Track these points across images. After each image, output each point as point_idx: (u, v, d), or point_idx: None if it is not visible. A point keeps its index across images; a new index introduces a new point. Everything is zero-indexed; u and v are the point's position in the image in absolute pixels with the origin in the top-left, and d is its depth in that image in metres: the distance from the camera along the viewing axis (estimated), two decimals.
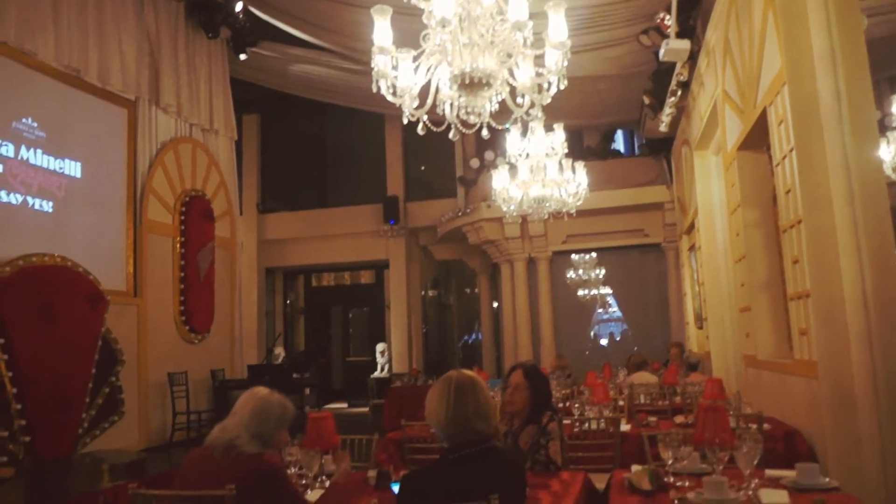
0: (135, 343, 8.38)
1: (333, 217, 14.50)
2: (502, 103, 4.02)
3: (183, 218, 9.43)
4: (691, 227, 9.56)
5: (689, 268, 10.51)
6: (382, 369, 13.44)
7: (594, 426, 4.64)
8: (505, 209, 7.55)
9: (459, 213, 13.03)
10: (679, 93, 8.11)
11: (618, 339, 15.39)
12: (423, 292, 15.34)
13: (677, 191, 11.24)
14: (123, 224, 8.65)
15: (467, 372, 2.41)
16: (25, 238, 7.14)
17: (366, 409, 12.46)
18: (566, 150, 7.14)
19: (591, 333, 16.27)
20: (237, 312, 10.89)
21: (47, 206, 7.63)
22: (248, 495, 2.43)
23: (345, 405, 13.63)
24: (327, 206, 14.83)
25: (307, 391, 11.58)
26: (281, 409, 2.67)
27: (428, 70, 3.86)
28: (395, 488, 2.61)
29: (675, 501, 2.58)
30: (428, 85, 3.94)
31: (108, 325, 7.66)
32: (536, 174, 7.17)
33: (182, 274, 9.35)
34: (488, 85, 3.76)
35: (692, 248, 9.76)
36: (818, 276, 4.19)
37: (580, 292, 14.18)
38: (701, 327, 9.40)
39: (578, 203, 7.45)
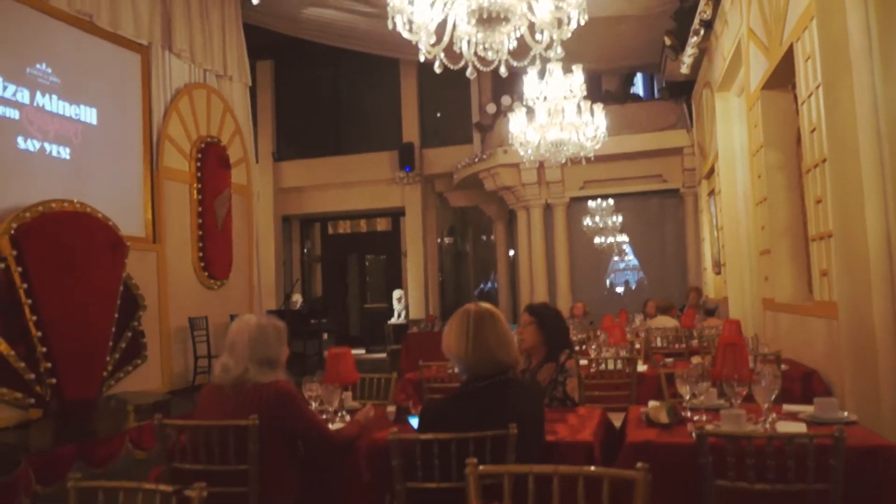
0: (155, 289, 8.48)
1: (349, 164, 14.44)
2: (521, 40, 3.92)
3: (199, 165, 9.43)
4: (711, 172, 9.42)
5: (707, 213, 10.41)
6: (399, 316, 13.55)
7: (611, 366, 4.66)
8: (522, 153, 7.46)
9: (475, 160, 12.92)
10: (702, 32, 7.89)
11: (633, 287, 15.37)
12: (439, 240, 15.35)
13: (697, 135, 11.05)
14: (140, 171, 8.66)
15: (484, 304, 2.41)
16: (44, 184, 7.18)
17: (383, 355, 12.62)
18: (584, 93, 7.00)
19: (608, 282, 16.27)
20: (255, 260, 10.97)
21: (64, 153, 7.65)
22: (267, 422, 2.47)
23: (362, 351, 13.82)
24: (343, 153, 14.75)
25: (325, 337, 11.73)
26: (275, 328, 2.63)
27: (445, 5, 3.77)
28: (413, 421, 2.65)
29: (693, 433, 2.59)
30: (444, 21, 3.85)
31: (128, 271, 7.75)
32: (554, 117, 7.07)
33: (200, 221, 9.39)
34: (506, 20, 3.67)
35: (711, 193, 9.64)
36: (841, 217, 4.13)
37: (597, 240, 14.12)
38: (719, 273, 9.35)
39: (596, 147, 7.35)
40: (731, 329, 4.51)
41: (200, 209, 9.41)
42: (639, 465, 1.54)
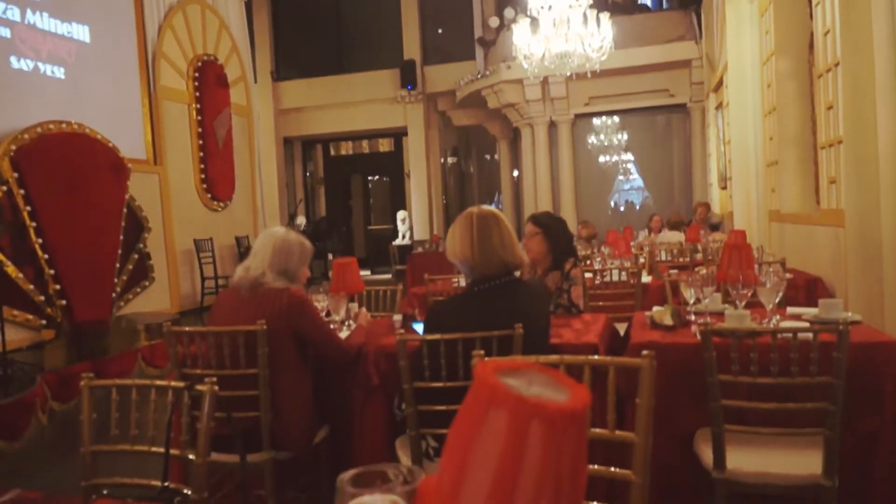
0: (159, 211, 8.47)
1: (350, 83, 14.16)
2: None
3: (197, 84, 9.24)
4: (719, 84, 9.21)
5: (714, 127, 10.25)
6: (403, 237, 13.58)
7: (615, 278, 4.68)
8: (526, 66, 7.29)
9: (478, 76, 12.65)
10: None
11: (638, 208, 15.33)
12: (442, 160, 15.21)
13: (706, 47, 10.75)
14: (137, 91, 8.50)
15: (486, 207, 2.39)
16: (40, 106, 7.06)
17: (388, 276, 12.73)
18: (591, 1, 6.78)
19: (612, 202, 16.21)
20: (258, 181, 10.91)
21: (59, 73, 7.49)
22: (279, 327, 2.50)
23: (368, 273, 13.92)
24: (343, 72, 14.44)
25: (330, 258, 11.79)
26: (300, 245, 2.69)
27: None
28: (419, 327, 2.68)
29: (697, 333, 2.61)
30: None
31: (131, 193, 7.72)
32: (559, 28, 6.86)
33: (200, 142, 9.29)
34: None
35: (719, 106, 9.46)
36: (852, 123, 4.05)
37: (602, 159, 13.97)
38: (725, 188, 9.29)
39: (602, 58, 7.17)
40: (736, 235, 4.49)
41: (200, 130, 9.28)
42: (644, 352, 1.54)
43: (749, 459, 2.27)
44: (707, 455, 2.32)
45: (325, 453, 2.77)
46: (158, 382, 1.77)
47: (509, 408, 0.64)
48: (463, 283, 2.43)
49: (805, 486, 2.17)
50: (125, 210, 7.61)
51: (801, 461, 2.23)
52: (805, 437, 2.33)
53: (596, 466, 1.58)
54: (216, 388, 1.67)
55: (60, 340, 6.79)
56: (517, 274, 2.38)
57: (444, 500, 0.68)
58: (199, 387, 1.68)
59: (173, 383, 1.74)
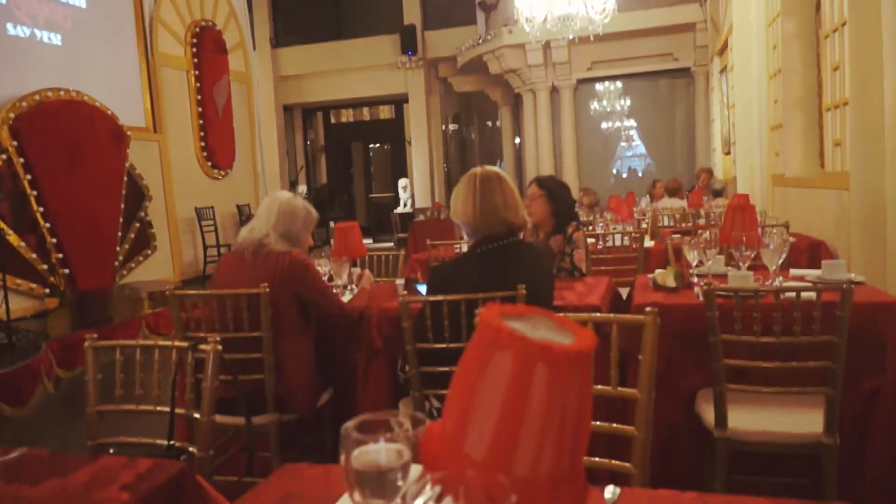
0: (159, 179, 8.44)
1: (350, 49, 13.99)
2: None
3: (195, 50, 9.15)
4: (724, 47, 9.10)
5: (718, 91, 10.15)
6: (405, 205, 13.55)
7: (618, 242, 4.67)
8: (528, 30, 7.20)
9: (480, 41, 12.49)
10: None
11: (640, 175, 15.26)
12: (443, 127, 15.10)
13: (711, 9, 10.59)
14: (135, 57, 8.41)
15: (490, 167, 2.37)
16: (38, 73, 6.99)
17: (390, 245, 12.73)
18: None
19: (614, 169, 16.13)
20: (258, 149, 10.86)
21: (56, 39, 7.40)
22: (280, 290, 2.50)
23: (370, 241, 13.93)
24: (343, 37, 14.26)
25: (331, 225, 11.77)
26: (305, 210, 2.69)
27: None
28: (422, 289, 2.68)
29: (700, 294, 2.60)
30: None
31: (131, 161, 7.69)
32: None
33: (200, 109, 9.22)
34: None
35: (724, 69, 9.35)
36: (858, 84, 4.00)
37: (604, 125, 13.87)
38: (728, 153, 9.23)
39: (605, 21, 7.07)
40: (739, 198, 4.47)
41: (199, 97, 9.21)
42: (647, 308, 1.54)
43: (750, 418, 2.28)
44: (708, 414, 2.33)
45: (329, 416, 2.79)
46: (162, 343, 1.77)
47: (514, 350, 0.64)
48: (465, 248, 2.42)
49: (806, 445, 2.18)
50: (125, 178, 7.58)
51: (802, 420, 2.24)
52: (806, 397, 2.34)
53: (598, 423, 1.59)
54: (219, 347, 1.67)
55: (64, 309, 6.82)
56: (520, 235, 2.37)
57: (449, 444, 0.68)
58: (202, 346, 1.68)
59: (177, 343, 1.74)
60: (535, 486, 0.64)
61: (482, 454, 0.65)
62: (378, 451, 0.83)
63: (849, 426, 2.26)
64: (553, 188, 3.58)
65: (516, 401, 0.64)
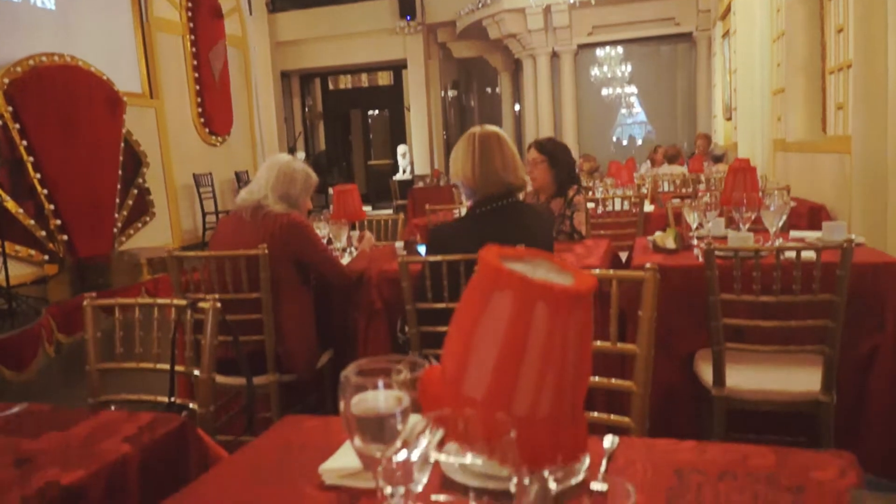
0: (157, 145, 8.39)
1: (347, 14, 13.79)
2: None
3: (190, 15, 9.02)
4: (727, 11, 8.98)
5: (721, 56, 10.03)
6: (404, 172, 13.48)
7: (618, 207, 4.65)
8: None
9: (479, 5, 12.31)
10: None
11: (640, 142, 15.17)
12: (442, 93, 14.96)
13: None
14: (130, 23, 8.30)
15: (490, 126, 2.34)
16: (32, 38, 6.90)
17: (389, 212, 12.69)
18: None
19: (614, 137, 16.03)
20: (255, 116, 10.78)
21: (49, 3, 7.29)
22: (279, 251, 2.50)
23: (368, 208, 13.88)
24: (340, 2, 14.04)
25: (330, 192, 11.73)
26: (305, 174, 2.67)
27: None
28: (422, 250, 2.67)
29: (700, 255, 2.60)
30: None
31: (127, 127, 7.63)
32: None
33: (196, 75, 9.12)
34: None
35: (726, 34, 9.24)
36: (862, 45, 3.95)
37: (604, 91, 13.74)
38: (729, 119, 9.16)
39: None
40: (741, 161, 4.44)
41: (196, 62, 9.11)
42: (647, 265, 1.53)
43: (748, 378, 2.29)
44: (707, 374, 2.35)
45: (329, 377, 2.80)
46: (161, 301, 1.77)
47: (514, 289, 0.63)
48: (465, 194, 2.39)
49: (803, 403, 2.20)
50: (122, 144, 7.53)
51: (799, 379, 2.25)
52: (803, 357, 2.36)
53: (597, 378, 1.59)
54: (219, 305, 1.67)
55: (63, 275, 6.83)
56: (520, 196, 2.36)
57: (449, 385, 0.68)
58: (201, 304, 1.68)
59: (175, 301, 1.74)
60: (535, 426, 0.64)
61: (482, 394, 0.65)
62: (377, 398, 0.83)
63: (846, 385, 2.27)
64: (553, 152, 3.54)
65: (516, 340, 0.63)
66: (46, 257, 6.73)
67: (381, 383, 0.82)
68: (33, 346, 4.82)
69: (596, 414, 1.59)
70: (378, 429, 0.82)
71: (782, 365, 2.36)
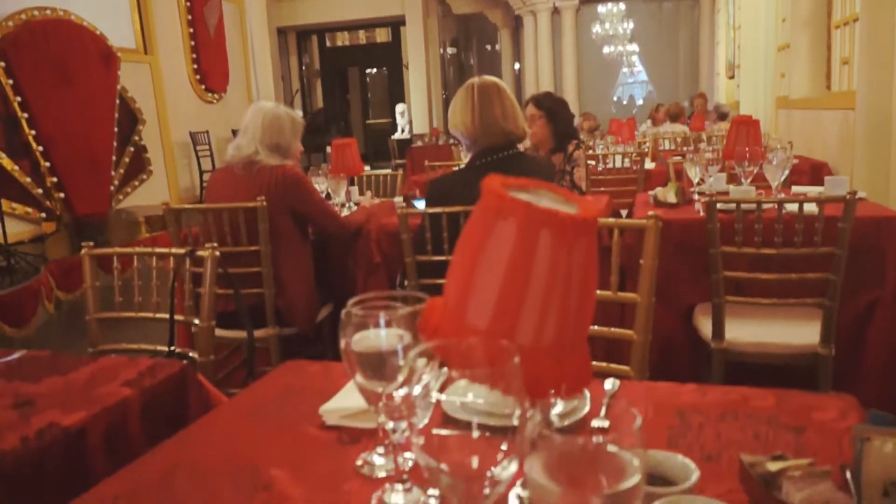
0: (152, 103, 8.28)
1: None
2: None
3: None
4: None
5: (725, 13, 9.87)
6: (403, 131, 13.36)
7: (618, 164, 4.62)
8: None
9: None
10: None
11: (641, 102, 15.02)
12: (441, 51, 14.75)
13: None
14: None
15: (488, 76, 2.30)
16: None
17: (388, 171, 12.61)
18: None
19: (615, 96, 15.87)
20: (252, 72, 10.63)
21: None
22: (275, 204, 2.47)
23: (367, 168, 13.79)
24: None
25: (328, 151, 11.65)
26: (291, 118, 2.62)
27: None
28: (420, 204, 2.65)
29: (701, 210, 2.58)
30: None
31: (122, 83, 7.52)
32: None
33: (191, 30, 8.96)
34: None
35: None
36: None
37: (606, 49, 13.56)
38: (732, 77, 9.05)
39: None
40: (743, 117, 4.40)
41: (190, 17, 8.94)
42: (649, 213, 1.52)
43: (747, 331, 2.30)
44: (706, 327, 2.35)
45: (329, 331, 2.81)
46: (159, 250, 1.76)
47: (518, 216, 0.62)
48: (465, 145, 2.37)
49: (802, 355, 2.20)
50: (117, 101, 7.43)
51: (798, 332, 2.26)
52: (802, 310, 2.36)
53: (597, 327, 1.59)
54: (217, 253, 1.66)
55: (61, 233, 6.80)
56: (521, 147, 2.33)
57: (451, 315, 0.67)
58: (200, 253, 1.66)
59: (174, 250, 1.72)
60: (539, 355, 0.63)
61: (485, 324, 0.64)
62: (378, 335, 0.82)
63: (844, 338, 2.27)
64: (551, 107, 3.50)
65: (520, 268, 0.62)
66: (43, 215, 6.70)
67: (382, 320, 0.81)
68: (33, 303, 4.83)
69: (596, 363, 1.59)
70: (379, 365, 0.82)
71: (781, 318, 2.36)
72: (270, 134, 2.54)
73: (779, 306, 2.24)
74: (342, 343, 0.82)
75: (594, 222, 0.63)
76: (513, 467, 0.59)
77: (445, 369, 0.62)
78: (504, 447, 0.58)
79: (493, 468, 0.58)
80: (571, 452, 0.54)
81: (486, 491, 0.60)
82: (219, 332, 2.37)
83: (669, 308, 2.58)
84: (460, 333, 0.65)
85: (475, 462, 0.58)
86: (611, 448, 0.54)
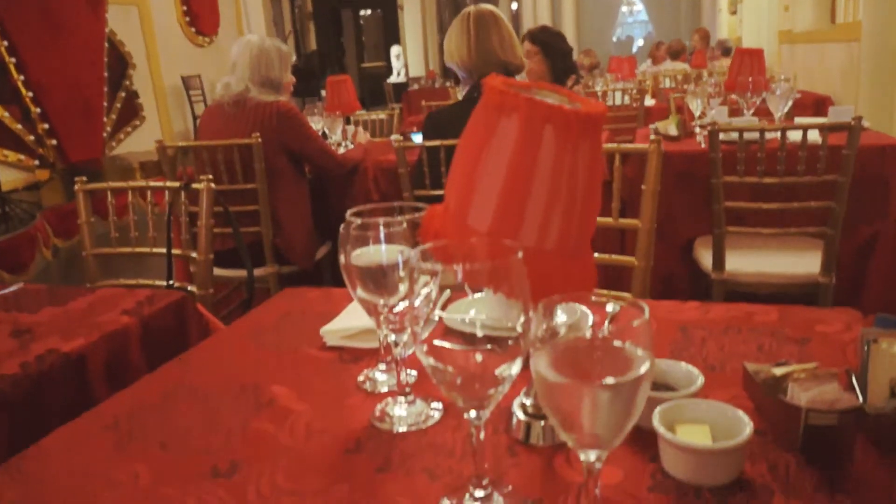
0: (142, 46, 8.10)
1: None
2: None
3: None
4: None
5: None
6: (398, 74, 13.14)
7: (618, 101, 4.54)
8: None
9: None
10: None
11: (641, 43, 14.75)
12: None
13: None
14: None
15: (484, 4, 2.23)
16: None
17: (383, 116, 12.44)
18: None
19: (614, 37, 15.57)
20: (243, 15, 10.38)
21: None
22: (270, 141, 2.43)
23: (363, 112, 13.60)
24: None
25: (323, 94, 11.48)
26: (278, 50, 2.55)
27: None
28: (417, 138, 2.61)
29: (703, 142, 2.55)
30: None
31: (111, 27, 7.35)
32: None
33: None
34: None
35: None
36: None
37: None
38: (734, 12, 8.86)
39: None
40: (746, 48, 4.31)
41: None
42: (651, 136, 1.49)
43: (747, 262, 2.29)
44: (706, 259, 2.34)
45: (329, 269, 2.80)
46: (154, 184, 1.73)
47: (522, 112, 0.60)
48: (461, 77, 2.31)
49: (802, 285, 2.20)
50: (106, 45, 7.27)
51: (798, 262, 2.25)
52: (803, 242, 2.35)
53: (597, 254, 1.58)
54: (213, 185, 1.63)
55: (56, 181, 6.74)
56: (519, 80, 2.28)
57: (452, 219, 0.65)
58: (195, 185, 1.64)
59: (168, 183, 1.70)
60: (543, 257, 0.62)
61: (487, 225, 0.62)
62: (378, 250, 0.81)
63: (845, 269, 2.27)
64: (547, 41, 3.41)
65: (523, 166, 0.60)
66: (37, 162, 6.63)
67: (382, 234, 0.79)
68: (30, 250, 4.82)
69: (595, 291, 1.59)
70: (380, 278, 0.81)
71: (781, 249, 2.35)
72: (260, 69, 2.48)
73: (780, 236, 2.23)
74: (341, 258, 0.81)
75: (600, 119, 0.61)
76: (517, 366, 0.58)
77: (448, 291, 0.61)
78: (510, 344, 0.57)
79: (498, 367, 0.57)
80: (577, 348, 0.53)
81: (491, 391, 0.59)
82: (217, 271, 2.37)
83: (670, 242, 2.57)
84: (462, 237, 0.63)
85: (480, 361, 0.57)
86: (617, 343, 0.53)
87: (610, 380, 0.49)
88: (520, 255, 0.54)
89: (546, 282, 0.61)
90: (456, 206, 0.64)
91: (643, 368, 0.50)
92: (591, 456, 0.54)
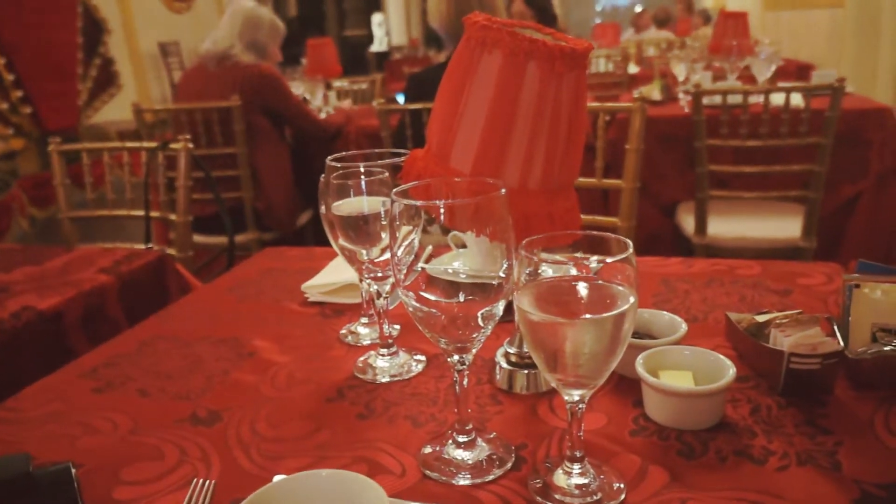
0: (117, 11, 7.91)
1: None
2: None
3: None
4: None
5: None
6: (381, 42, 12.97)
7: (602, 68, 4.51)
8: None
9: None
10: None
11: (625, 11, 14.62)
12: None
13: None
14: None
15: None
16: None
17: (365, 86, 12.29)
18: None
19: (599, 6, 15.44)
20: None
21: None
22: (251, 103, 2.40)
23: (345, 83, 13.43)
24: None
25: (303, 62, 11.31)
26: (271, 19, 2.54)
27: None
28: (401, 99, 2.58)
29: (686, 106, 2.54)
30: None
31: None
32: None
33: None
34: None
35: None
36: None
37: None
38: None
39: None
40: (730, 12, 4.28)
41: None
42: (635, 96, 1.48)
43: (729, 227, 2.30)
44: (688, 224, 2.35)
45: (312, 235, 2.78)
46: (130, 144, 1.70)
47: (504, 48, 0.58)
48: (444, 38, 2.28)
49: (783, 249, 2.21)
50: (80, 10, 7.10)
51: (779, 226, 2.27)
52: (784, 207, 2.37)
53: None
54: (191, 145, 1.60)
55: (31, 151, 6.61)
56: None
57: (434, 161, 0.64)
58: (172, 146, 1.61)
59: (145, 144, 1.66)
60: (526, 197, 0.61)
61: (470, 165, 0.61)
62: (360, 200, 0.80)
63: (825, 232, 2.28)
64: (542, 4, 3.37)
65: (506, 103, 0.59)
66: (11, 131, 6.48)
67: (363, 183, 0.78)
68: (6, 218, 4.75)
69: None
70: (362, 227, 0.79)
71: (763, 214, 2.37)
72: (249, 29, 2.46)
73: (762, 200, 2.23)
74: (322, 208, 0.80)
75: (585, 55, 0.59)
76: (500, 306, 0.57)
77: (430, 247, 0.60)
78: (493, 285, 0.56)
79: (481, 308, 0.57)
80: (561, 286, 0.53)
81: (475, 335, 0.58)
82: (198, 237, 2.34)
83: (652, 205, 2.57)
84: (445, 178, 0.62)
85: (464, 302, 0.56)
86: (601, 281, 0.52)
87: (593, 315, 0.48)
88: (503, 192, 0.53)
89: (530, 219, 0.61)
90: (438, 147, 0.63)
91: (626, 304, 0.50)
92: (574, 396, 0.54)
